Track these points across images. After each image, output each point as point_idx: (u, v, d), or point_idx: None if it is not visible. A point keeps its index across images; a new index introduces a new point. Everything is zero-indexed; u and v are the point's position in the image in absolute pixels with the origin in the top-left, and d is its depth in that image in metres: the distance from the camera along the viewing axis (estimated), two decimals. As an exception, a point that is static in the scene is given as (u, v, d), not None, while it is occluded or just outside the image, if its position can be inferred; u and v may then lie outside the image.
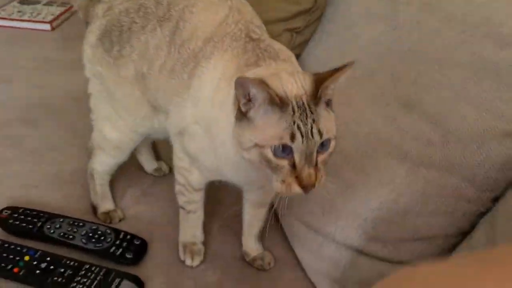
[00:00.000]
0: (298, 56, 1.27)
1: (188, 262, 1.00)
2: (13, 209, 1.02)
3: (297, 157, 0.70)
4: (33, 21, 1.97)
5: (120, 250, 0.97)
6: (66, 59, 1.67)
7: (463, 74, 0.84)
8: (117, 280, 0.89)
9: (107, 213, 1.10)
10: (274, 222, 1.09)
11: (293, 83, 0.72)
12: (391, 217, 0.90)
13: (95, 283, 0.89)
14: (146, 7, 0.94)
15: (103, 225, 1.02)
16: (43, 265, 0.91)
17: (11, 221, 1.00)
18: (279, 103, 0.69)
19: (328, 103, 0.74)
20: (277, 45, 0.89)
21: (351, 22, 1.13)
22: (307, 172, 0.69)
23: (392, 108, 0.92)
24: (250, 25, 0.89)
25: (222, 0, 0.91)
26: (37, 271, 0.90)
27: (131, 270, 0.94)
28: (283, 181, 0.71)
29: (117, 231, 1.01)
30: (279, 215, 1.10)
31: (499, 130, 0.79)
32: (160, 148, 1.29)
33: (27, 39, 1.90)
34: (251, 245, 1.05)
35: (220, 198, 1.13)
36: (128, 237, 1.00)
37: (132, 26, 0.94)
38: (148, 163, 1.27)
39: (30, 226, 0.99)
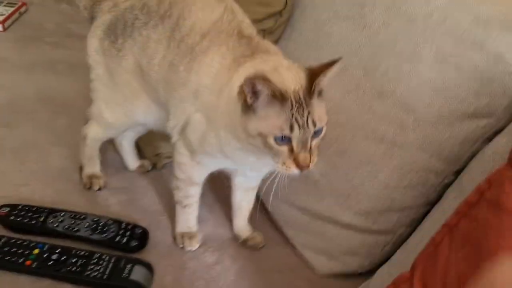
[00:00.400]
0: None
1: (188, 247, 1.08)
2: (12, 206, 1.04)
3: (295, 144, 0.83)
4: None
5: (125, 238, 1.03)
6: (22, 60, 1.67)
7: (429, 67, 0.98)
8: (129, 266, 0.95)
9: (90, 177, 1.19)
10: (260, 206, 1.20)
11: (291, 78, 0.85)
12: (372, 192, 1.03)
13: (108, 269, 0.94)
14: (149, 5, 1.02)
15: (103, 216, 1.06)
16: (54, 257, 0.94)
17: (12, 217, 1.01)
18: (280, 98, 0.81)
19: (320, 93, 0.87)
20: (265, 42, 1.01)
21: (321, 22, 1.24)
22: (303, 156, 0.83)
23: (367, 97, 1.05)
24: (241, 24, 1.00)
25: (218, 1, 1.00)
26: (50, 263, 0.93)
27: (138, 257, 1.00)
28: (283, 163, 0.84)
29: (118, 222, 1.06)
30: (266, 200, 1.20)
31: (461, 112, 0.94)
32: (142, 146, 1.34)
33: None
34: (241, 227, 1.14)
35: (208, 184, 1.22)
36: (130, 226, 1.06)
37: (135, 22, 1.01)
38: (131, 160, 1.32)
39: (33, 222, 1.01)
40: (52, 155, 1.27)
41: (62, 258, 0.94)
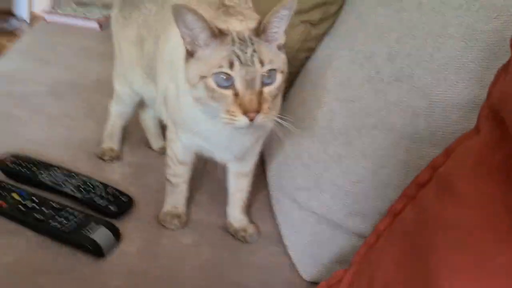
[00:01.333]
0: (313, 49, 1.29)
1: (168, 225, 1.01)
2: (16, 156, 1.08)
3: (237, 84, 0.73)
4: (84, 19, 2.12)
5: (105, 202, 0.99)
6: (103, 51, 1.78)
7: (455, 46, 0.81)
8: (93, 225, 0.91)
9: (105, 149, 1.20)
10: (267, 199, 1.09)
11: (238, 23, 0.78)
12: (372, 190, 0.87)
13: (72, 224, 0.91)
14: None
15: (95, 179, 1.05)
16: (27, 203, 0.94)
17: (11, 165, 1.05)
18: (217, 33, 0.73)
19: (280, 47, 0.78)
20: (247, 11, 0.90)
21: (361, 11, 1.13)
22: (248, 97, 0.72)
23: (384, 84, 0.91)
24: None
25: None
26: (22, 207, 0.93)
27: (113, 222, 0.96)
28: (227, 111, 0.73)
29: (106, 186, 1.03)
30: (272, 194, 1.09)
31: (484, 99, 0.75)
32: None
33: (75, 33, 2.04)
34: (235, 216, 1.04)
35: (209, 171, 1.16)
36: (116, 192, 1.02)
37: None
38: (155, 140, 1.31)
39: (27, 172, 1.03)
40: (81, 126, 1.31)
41: (34, 206, 0.94)
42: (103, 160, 1.19)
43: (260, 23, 0.76)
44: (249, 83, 0.72)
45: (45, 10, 2.19)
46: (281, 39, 0.78)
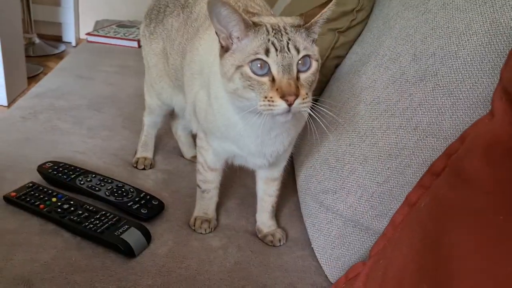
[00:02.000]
0: (341, 57, 1.30)
1: (198, 230, 1.03)
2: (55, 163, 1.13)
3: (274, 69, 0.74)
4: (124, 39, 2.22)
5: (137, 205, 1.03)
6: (141, 67, 1.85)
7: (479, 42, 0.81)
8: (125, 226, 0.94)
9: (138, 158, 1.25)
10: (296, 204, 1.10)
11: (270, 18, 0.80)
12: (398, 190, 0.86)
13: (105, 225, 0.94)
14: None
15: (128, 184, 1.09)
16: (65, 206, 0.99)
17: (50, 171, 1.10)
18: (251, 24, 0.75)
19: (314, 41, 0.79)
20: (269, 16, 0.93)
21: (389, 18, 1.14)
22: (286, 81, 0.73)
23: (409, 84, 0.91)
24: (249, 3, 0.98)
25: None
26: (59, 210, 0.98)
27: (144, 225, 0.99)
28: (265, 97, 0.74)
29: (139, 191, 1.07)
30: (301, 197, 1.10)
31: None
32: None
33: (115, 52, 2.14)
34: (263, 221, 1.05)
35: (240, 178, 1.18)
36: (148, 197, 1.06)
37: (166, 10, 1.08)
38: (187, 149, 1.34)
39: (65, 177, 1.08)
40: (117, 137, 1.37)
41: (70, 208, 0.98)
42: (137, 168, 1.23)
43: (305, 20, 0.78)
44: (286, 69, 0.73)
45: (88, 32, 2.30)
46: (316, 34, 0.81)
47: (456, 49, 0.84)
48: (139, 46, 2.20)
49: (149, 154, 1.28)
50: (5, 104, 2.68)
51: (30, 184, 1.05)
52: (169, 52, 1.07)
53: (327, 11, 0.77)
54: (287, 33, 0.75)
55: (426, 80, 0.87)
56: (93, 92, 1.66)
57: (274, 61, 0.74)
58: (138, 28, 2.38)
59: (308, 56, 0.77)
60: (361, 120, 0.99)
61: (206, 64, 0.91)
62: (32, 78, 3.14)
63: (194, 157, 1.32)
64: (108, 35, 2.26)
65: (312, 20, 0.77)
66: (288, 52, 0.74)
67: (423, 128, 0.84)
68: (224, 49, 0.79)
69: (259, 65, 0.74)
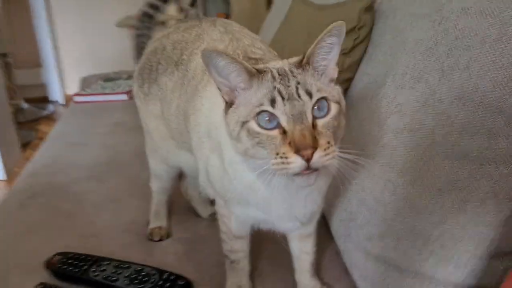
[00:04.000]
0: (351, 79, 1.20)
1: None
2: (64, 254, 1.02)
3: (283, 120, 0.63)
4: (112, 94, 2.12)
5: (163, 290, 0.91)
6: (135, 122, 1.75)
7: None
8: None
9: (153, 228, 1.13)
10: (335, 252, 0.98)
11: (276, 62, 0.70)
12: (459, 231, 0.74)
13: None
14: (167, 50, 0.97)
15: (148, 266, 0.97)
16: (82, 307, 0.87)
17: (59, 265, 0.99)
18: (255, 72, 0.65)
19: (332, 81, 0.69)
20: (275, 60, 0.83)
21: (397, 30, 1.04)
22: (298, 131, 0.61)
23: (444, 105, 0.80)
24: (248, 48, 0.88)
25: (224, 35, 0.91)
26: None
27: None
28: (277, 154, 0.62)
29: (162, 271, 0.96)
30: (338, 244, 0.98)
31: None
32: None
33: (107, 109, 2.05)
34: (305, 283, 0.93)
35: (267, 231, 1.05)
36: (172, 277, 0.94)
37: (158, 67, 0.98)
38: (203, 208, 1.23)
39: (76, 270, 0.97)
40: (128, 208, 1.26)
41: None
42: (153, 240, 1.12)
43: (304, 55, 0.67)
44: (297, 118, 0.62)
45: (75, 92, 2.22)
46: (333, 72, 0.69)
47: (494, 58, 0.73)
48: (130, 98, 2.10)
49: (163, 223, 1.16)
50: (4, 178, 2.60)
51: (41, 287, 0.94)
52: (167, 117, 0.96)
53: (324, 38, 0.66)
54: (294, 76, 0.64)
55: (465, 99, 0.76)
56: (90, 159, 1.55)
57: (282, 112, 0.63)
58: (125, 80, 2.29)
59: (324, 98, 0.65)
60: (393, 152, 0.88)
61: (213, 125, 0.80)
62: (27, 145, 3.06)
63: (213, 214, 1.21)
64: (95, 92, 2.16)
65: (308, 52, 0.66)
66: (299, 99, 0.63)
67: (474, 156, 0.73)
68: (229, 105, 0.68)
69: (267, 118, 0.63)
